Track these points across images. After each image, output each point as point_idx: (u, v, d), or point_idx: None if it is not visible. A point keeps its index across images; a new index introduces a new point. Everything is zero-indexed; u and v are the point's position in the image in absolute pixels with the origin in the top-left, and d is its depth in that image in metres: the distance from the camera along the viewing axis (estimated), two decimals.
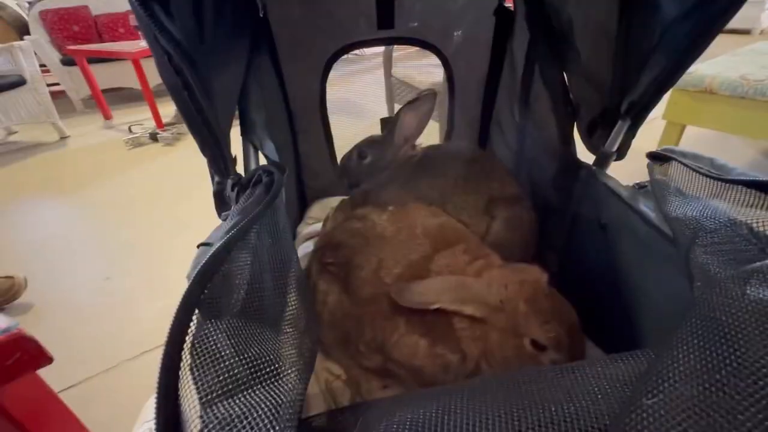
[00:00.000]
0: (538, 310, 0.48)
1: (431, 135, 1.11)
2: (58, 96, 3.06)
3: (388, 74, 1.85)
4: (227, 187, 0.50)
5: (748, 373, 0.23)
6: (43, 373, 0.60)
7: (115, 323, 1.22)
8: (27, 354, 0.57)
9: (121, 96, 3.59)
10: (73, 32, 3.26)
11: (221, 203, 0.53)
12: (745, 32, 4.12)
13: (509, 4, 0.83)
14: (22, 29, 3.39)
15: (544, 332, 0.47)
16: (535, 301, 0.49)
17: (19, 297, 1.30)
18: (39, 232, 1.74)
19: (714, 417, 0.21)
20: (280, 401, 0.26)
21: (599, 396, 0.27)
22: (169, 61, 0.37)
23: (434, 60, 0.93)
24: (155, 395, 0.25)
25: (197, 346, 0.28)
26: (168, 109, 2.90)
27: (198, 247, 0.43)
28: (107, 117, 3.11)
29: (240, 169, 0.57)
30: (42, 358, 0.58)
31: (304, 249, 0.88)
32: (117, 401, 0.97)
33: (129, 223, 1.76)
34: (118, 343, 1.13)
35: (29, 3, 3.71)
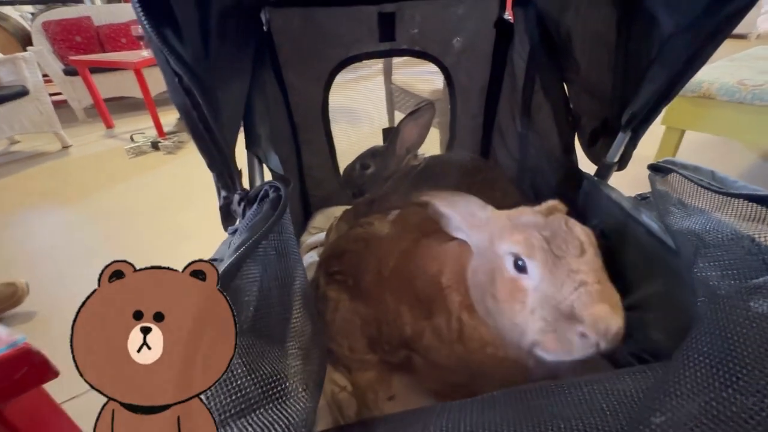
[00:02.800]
0: (519, 224, 0.45)
1: (432, 143, 1.12)
2: (60, 105, 3.08)
3: (387, 82, 1.86)
4: (234, 202, 0.50)
5: (754, 390, 0.23)
6: (47, 383, 0.60)
7: None
8: (34, 368, 0.57)
9: (123, 105, 3.61)
10: (75, 43, 3.29)
11: (227, 217, 0.54)
12: (741, 37, 4.16)
13: (509, 17, 0.84)
14: (25, 40, 3.43)
15: (510, 239, 0.42)
16: (522, 217, 0.46)
17: (21, 303, 1.29)
18: (42, 240, 1.75)
19: None
20: (292, 420, 0.27)
21: (607, 413, 0.27)
22: (179, 82, 0.38)
23: (433, 67, 0.95)
24: None
25: None
26: (169, 118, 2.92)
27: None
28: (109, 126, 3.13)
29: (245, 181, 0.58)
30: (48, 372, 0.59)
31: (308, 259, 0.88)
32: None
33: (131, 232, 1.76)
34: None
35: (32, 14, 3.75)
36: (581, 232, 0.42)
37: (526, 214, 0.46)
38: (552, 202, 0.47)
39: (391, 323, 0.56)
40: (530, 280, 0.41)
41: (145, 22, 0.34)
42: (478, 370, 0.49)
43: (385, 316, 0.57)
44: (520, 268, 0.42)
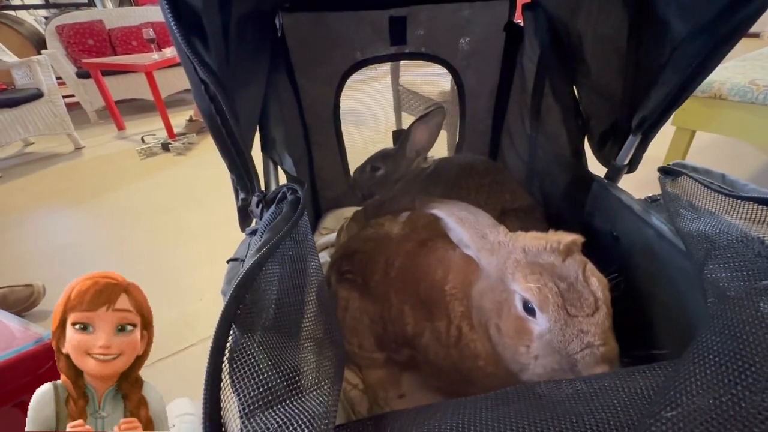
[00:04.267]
0: (534, 264, 0.42)
1: (440, 145, 1.13)
2: (72, 107, 3.14)
3: (395, 83, 1.87)
4: (252, 203, 0.52)
5: (763, 387, 0.24)
6: None
7: None
8: None
9: (134, 107, 3.67)
10: (88, 46, 3.35)
11: (245, 218, 0.55)
12: (754, 36, 4.09)
13: (519, 21, 0.85)
14: (39, 43, 3.50)
15: (525, 283, 0.41)
16: (539, 255, 0.43)
17: (38, 305, 1.33)
18: (55, 240, 1.78)
19: (731, 431, 0.22)
20: (315, 412, 0.28)
21: (618, 408, 0.28)
22: (205, 90, 0.40)
23: (441, 69, 0.96)
24: (202, 406, 0.27)
25: (236, 359, 0.30)
26: (179, 120, 2.96)
27: (227, 262, 0.46)
28: (120, 128, 3.18)
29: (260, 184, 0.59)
30: None
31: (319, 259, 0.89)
32: None
33: (142, 232, 1.79)
34: None
35: (46, 18, 3.83)
36: (597, 287, 0.41)
37: (542, 251, 0.43)
38: (570, 239, 0.44)
39: (395, 322, 0.58)
40: (537, 325, 0.41)
41: (176, 32, 0.36)
42: (467, 377, 0.50)
43: (389, 314, 0.58)
44: (530, 311, 0.41)
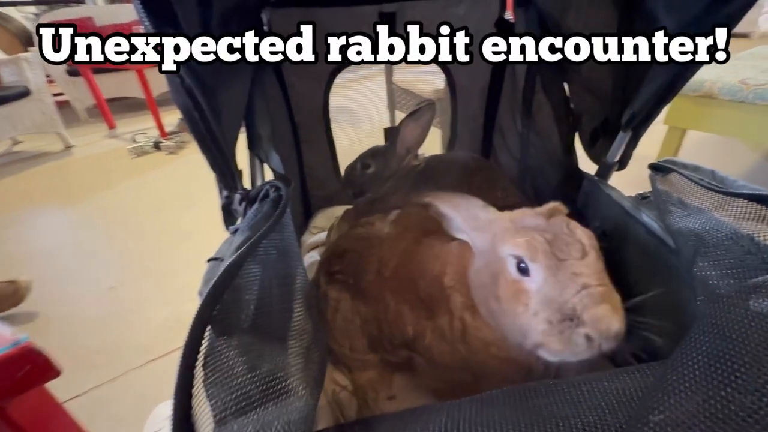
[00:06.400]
0: (521, 227, 0.44)
1: (432, 143, 1.12)
2: (62, 106, 3.09)
3: (388, 81, 1.86)
4: (235, 201, 0.50)
5: (753, 389, 0.23)
6: (50, 382, 0.61)
7: (121, 332, 1.22)
8: (36, 367, 0.58)
9: (125, 105, 3.63)
10: None
11: (229, 216, 0.54)
12: (744, 36, 4.13)
13: (510, 17, 0.84)
14: (27, 41, 3.44)
15: (513, 241, 0.42)
16: (525, 220, 0.45)
17: (23, 301, 1.29)
18: (44, 240, 1.76)
19: None
20: (292, 419, 0.27)
21: (606, 411, 0.28)
22: (181, 83, 0.39)
23: (434, 67, 0.95)
24: (171, 413, 0.26)
25: (210, 363, 0.29)
26: (171, 118, 2.93)
27: (208, 261, 0.44)
28: (111, 126, 3.14)
29: (246, 181, 0.58)
30: (50, 371, 0.59)
31: (309, 258, 0.88)
32: (123, 411, 0.97)
33: (133, 232, 1.77)
34: (123, 351, 1.14)
35: (35, 14, 3.77)
36: (583, 235, 0.43)
37: (528, 216, 0.46)
38: (553, 204, 0.47)
39: (392, 323, 0.57)
40: (533, 282, 0.41)
41: (147, 23, 0.35)
42: (480, 370, 0.49)
43: (385, 315, 0.57)
44: (523, 271, 0.42)
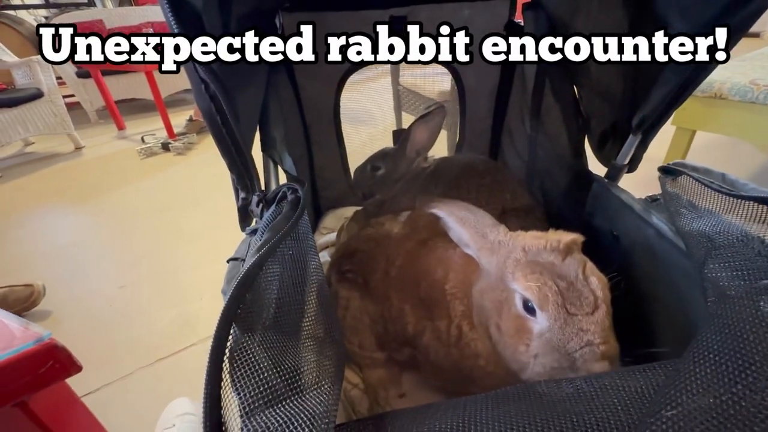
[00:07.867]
0: (534, 263, 0.42)
1: (440, 145, 1.13)
2: (72, 107, 3.14)
3: (395, 83, 1.87)
4: (252, 203, 0.52)
5: (763, 386, 0.24)
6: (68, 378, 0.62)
7: (131, 331, 1.24)
8: (59, 363, 0.60)
9: (134, 107, 3.67)
10: None
11: (245, 218, 0.55)
12: (755, 35, 4.08)
13: (519, 20, 0.85)
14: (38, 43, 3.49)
15: (525, 282, 0.41)
16: (539, 254, 0.43)
17: (38, 305, 1.33)
18: (55, 240, 1.78)
19: (731, 430, 0.22)
20: (316, 412, 0.28)
21: (619, 408, 0.28)
22: (205, 89, 0.40)
23: (440, 68, 0.95)
24: (202, 405, 0.27)
25: (237, 358, 0.30)
26: (180, 119, 2.96)
27: (227, 261, 0.46)
28: (120, 127, 3.18)
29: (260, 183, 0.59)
30: (72, 366, 0.61)
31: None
32: (134, 408, 0.99)
33: (142, 232, 1.79)
34: (133, 350, 1.16)
35: (46, 18, 3.83)
36: (596, 285, 0.41)
37: (542, 252, 0.43)
38: (569, 238, 0.44)
39: (395, 321, 0.58)
40: (537, 324, 0.41)
41: (177, 32, 0.36)
42: (468, 376, 0.50)
43: (390, 314, 0.59)
44: (529, 310, 0.41)
